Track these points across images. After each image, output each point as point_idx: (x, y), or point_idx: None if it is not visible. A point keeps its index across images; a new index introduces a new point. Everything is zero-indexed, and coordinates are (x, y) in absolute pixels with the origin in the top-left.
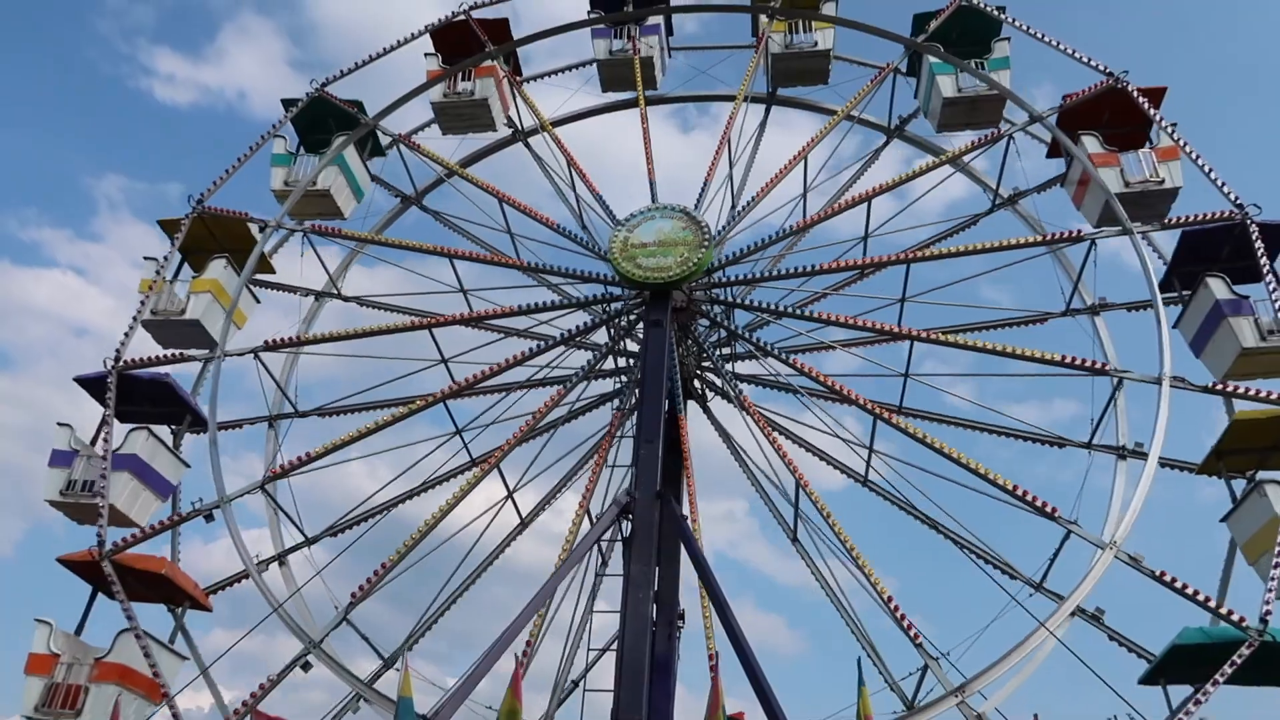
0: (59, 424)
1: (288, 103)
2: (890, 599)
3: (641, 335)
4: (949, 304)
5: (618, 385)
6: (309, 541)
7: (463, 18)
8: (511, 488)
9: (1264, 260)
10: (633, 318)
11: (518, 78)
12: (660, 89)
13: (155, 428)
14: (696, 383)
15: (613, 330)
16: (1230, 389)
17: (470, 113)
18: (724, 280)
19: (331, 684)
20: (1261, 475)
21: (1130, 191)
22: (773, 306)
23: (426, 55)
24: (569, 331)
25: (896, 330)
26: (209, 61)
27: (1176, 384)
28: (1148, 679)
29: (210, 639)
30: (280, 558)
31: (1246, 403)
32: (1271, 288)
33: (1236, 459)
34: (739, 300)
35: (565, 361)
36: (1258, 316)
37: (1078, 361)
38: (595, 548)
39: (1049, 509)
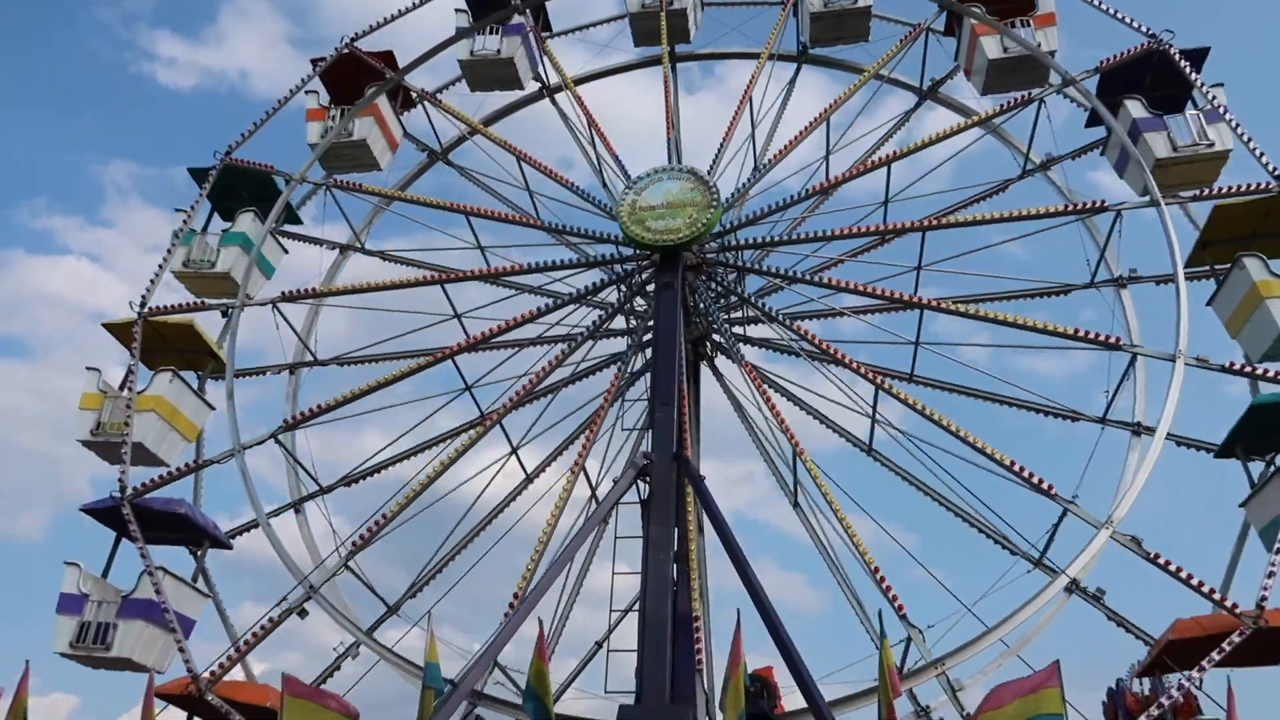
0: (88, 368)
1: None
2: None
3: (652, 295)
4: (967, 273)
5: (631, 343)
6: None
7: None
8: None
9: None
10: (643, 278)
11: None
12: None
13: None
14: (709, 345)
15: (622, 290)
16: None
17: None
18: (736, 243)
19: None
20: None
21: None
22: (783, 271)
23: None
24: (581, 290)
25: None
26: (209, 43)
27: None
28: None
29: (239, 610)
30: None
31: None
32: None
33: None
34: (751, 264)
35: (579, 322)
36: None
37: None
38: (615, 510)
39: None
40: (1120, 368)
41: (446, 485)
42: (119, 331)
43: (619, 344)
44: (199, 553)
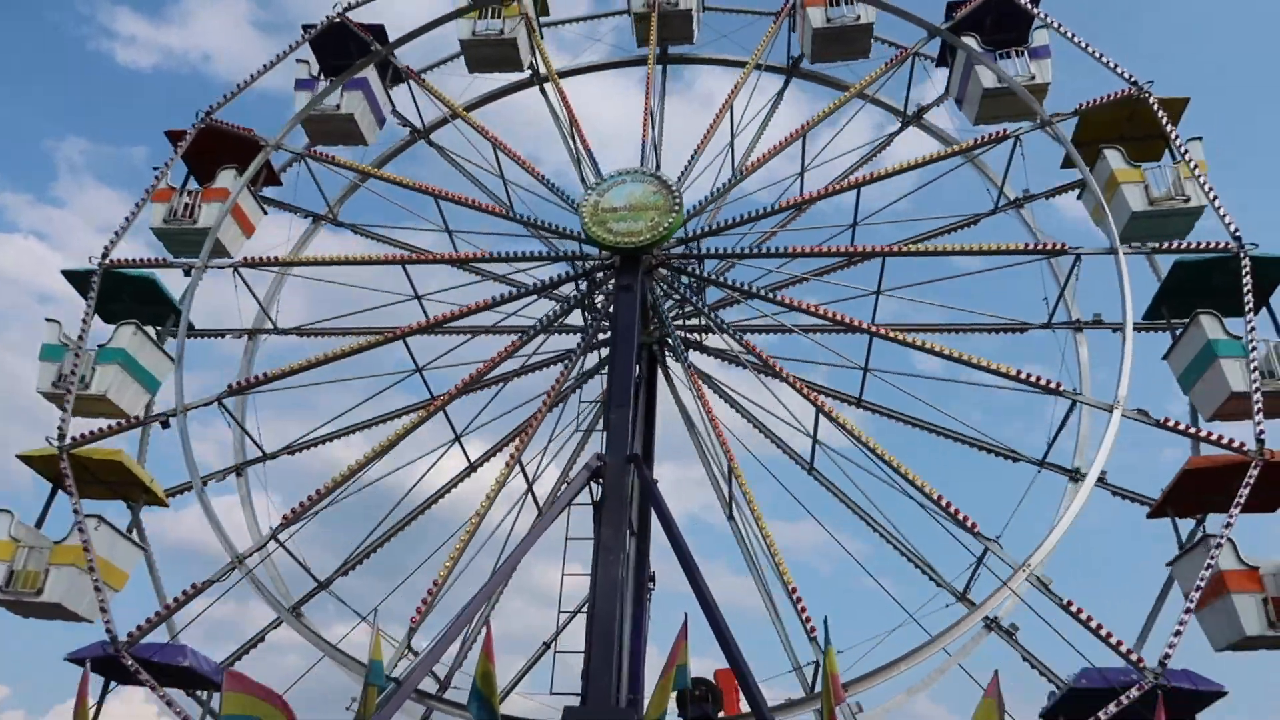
0: (47, 319)
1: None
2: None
3: (611, 294)
4: (926, 302)
5: (579, 343)
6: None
7: None
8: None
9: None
10: (601, 276)
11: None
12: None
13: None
14: (666, 350)
15: (581, 286)
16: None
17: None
18: (697, 252)
19: (304, 649)
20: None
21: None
22: (744, 284)
23: None
24: (540, 282)
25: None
26: (172, 23)
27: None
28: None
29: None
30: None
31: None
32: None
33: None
34: (711, 275)
35: (540, 313)
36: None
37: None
38: (566, 511)
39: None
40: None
41: (395, 473)
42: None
43: (573, 342)
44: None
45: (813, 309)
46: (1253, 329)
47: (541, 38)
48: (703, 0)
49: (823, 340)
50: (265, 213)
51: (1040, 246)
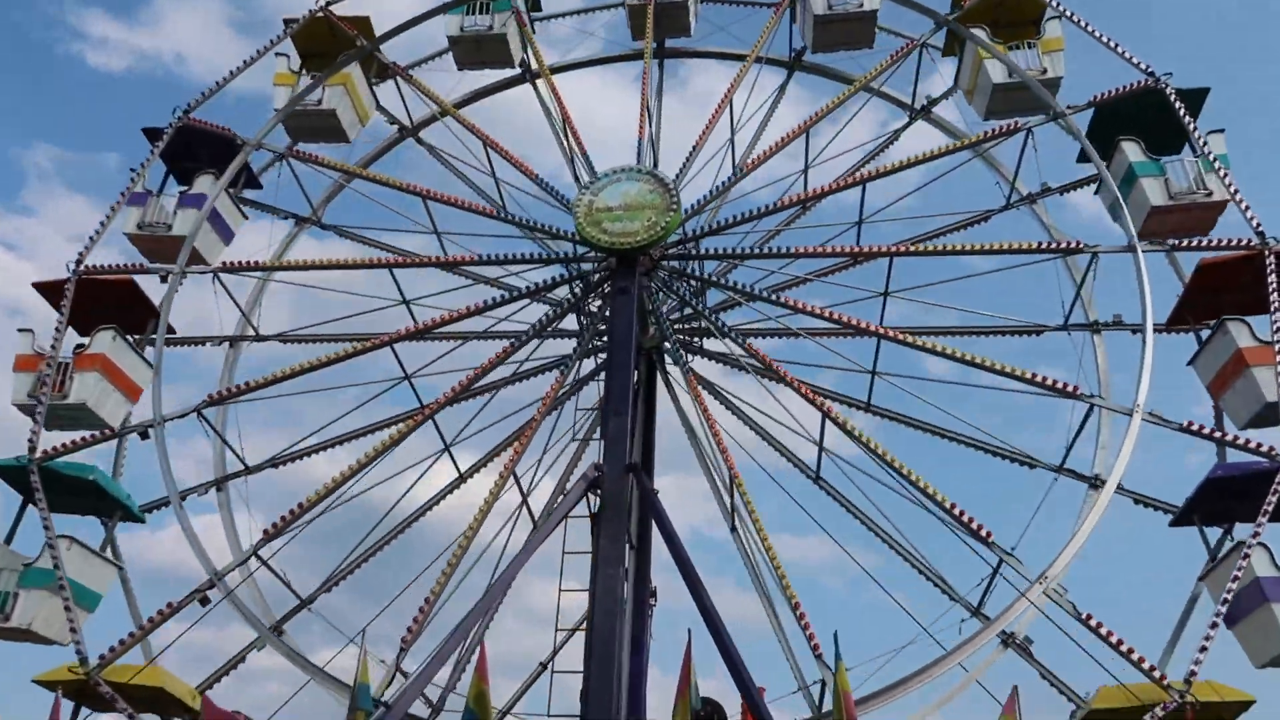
0: (20, 330)
1: (288, 21)
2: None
3: (607, 296)
4: (937, 304)
5: (575, 349)
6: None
7: None
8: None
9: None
10: (597, 278)
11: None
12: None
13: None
14: (665, 355)
15: (576, 289)
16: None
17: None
18: (696, 252)
19: (285, 673)
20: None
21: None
22: (745, 286)
23: None
24: (533, 286)
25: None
26: (144, 24)
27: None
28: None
29: (161, 631)
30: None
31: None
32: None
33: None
34: (711, 276)
35: (533, 318)
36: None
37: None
38: (563, 524)
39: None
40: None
41: (382, 485)
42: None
43: (568, 346)
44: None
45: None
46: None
47: (533, 32)
48: None
49: (828, 344)
50: (245, 217)
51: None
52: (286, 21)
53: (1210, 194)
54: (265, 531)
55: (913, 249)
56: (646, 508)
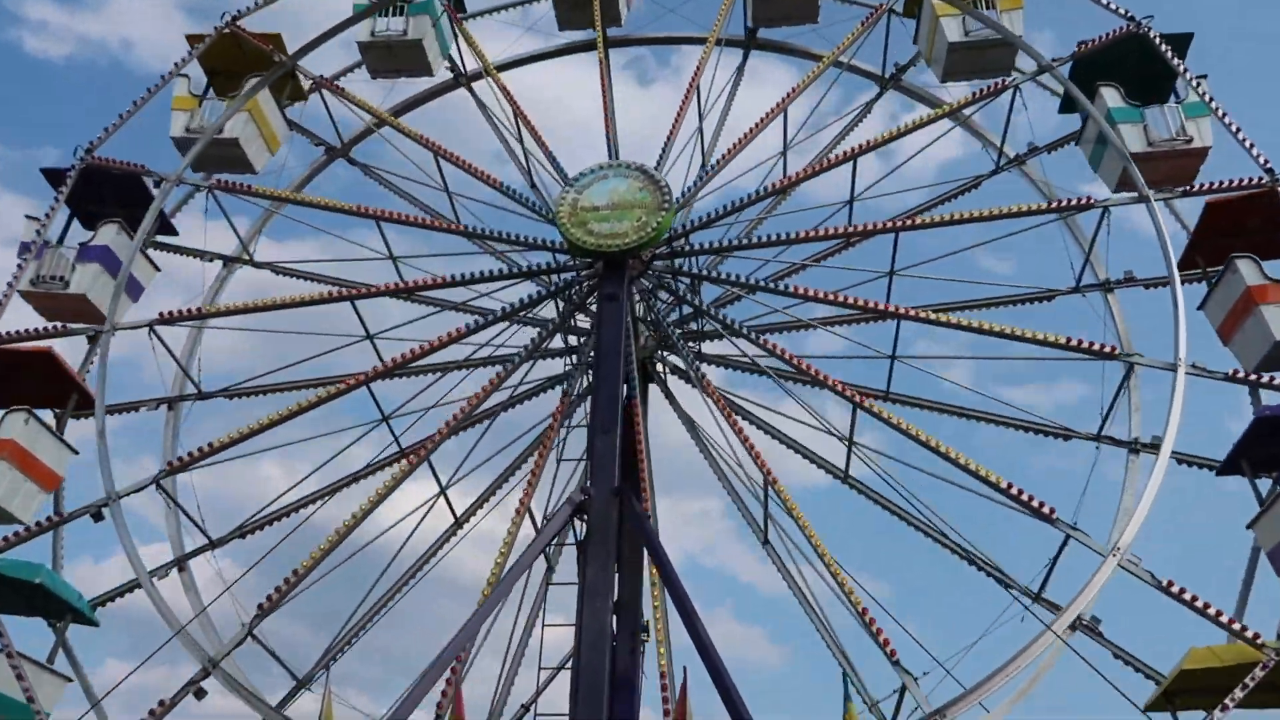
0: (27, 216)
1: (193, 39)
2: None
3: (595, 310)
4: (943, 279)
5: (567, 367)
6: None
7: None
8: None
9: None
10: (585, 289)
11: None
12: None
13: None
14: (659, 365)
15: (562, 304)
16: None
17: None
18: (688, 249)
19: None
20: None
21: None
22: (743, 279)
23: None
24: (512, 305)
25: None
26: (88, 7)
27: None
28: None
29: (104, 671)
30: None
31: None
32: None
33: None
34: (705, 272)
35: (510, 340)
36: None
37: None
38: (544, 554)
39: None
40: (1111, 381)
41: (366, 533)
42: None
43: (554, 364)
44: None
45: (831, 297)
46: None
47: (456, 34)
48: None
49: (840, 332)
50: (158, 269)
51: (1064, 203)
52: (190, 40)
53: (1190, 140)
54: (259, 607)
55: (919, 221)
56: (638, 534)
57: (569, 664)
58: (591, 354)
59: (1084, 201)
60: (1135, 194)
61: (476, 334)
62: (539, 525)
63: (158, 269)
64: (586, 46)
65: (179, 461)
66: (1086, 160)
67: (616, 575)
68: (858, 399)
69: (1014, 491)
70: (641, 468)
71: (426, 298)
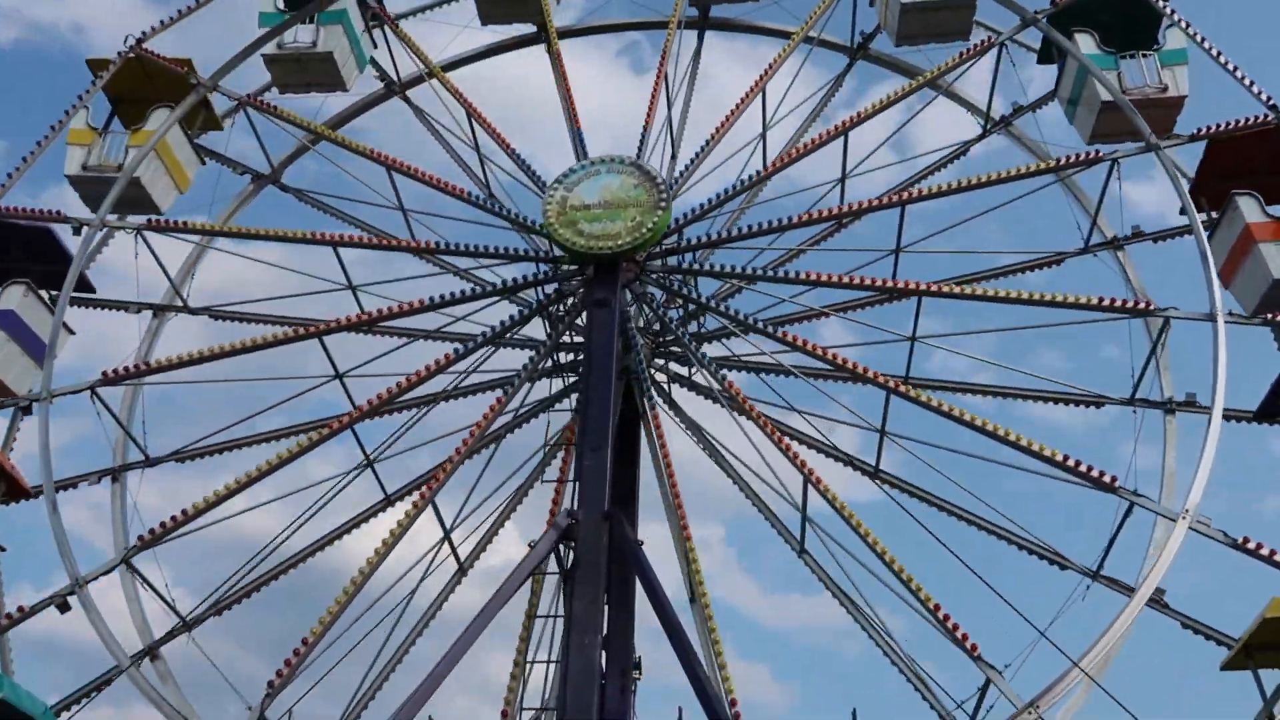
0: (76, 105)
1: (95, 64)
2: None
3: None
4: (947, 251)
5: (568, 383)
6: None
7: None
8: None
9: None
10: (573, 301)
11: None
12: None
13: None
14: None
15: (549, 320)
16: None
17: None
18: (679, 245)
19: None
20: None
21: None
22: (746, 270)
23: None
24: (494, 328)
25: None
26: None
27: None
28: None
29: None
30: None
31: None
32: None
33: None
34: (701, 265)
35: (492, 365)
36: None
37: (1118, 303)
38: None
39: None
40: (1136, 343)
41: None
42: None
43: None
44: None
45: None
46: None
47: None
48: None
49: (854, 317)
50: (203, 162)
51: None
52: (92, 65)
53: (1165, 89)
54: (269, 685)
55: (918, 194)
56: (629, 563)
57: (553, 705)
58: (553, 357)
59: (1091, 156)
60: (1143, 144)
61: (453, 306)
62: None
63: (72, 332)
64: (531, 41)
65: (150, 535)
66: (1063, 111)
67: (606, 608)
68: (894, 385)
69: (1070, 463)
70: (672, 486)
71: (395, 328)
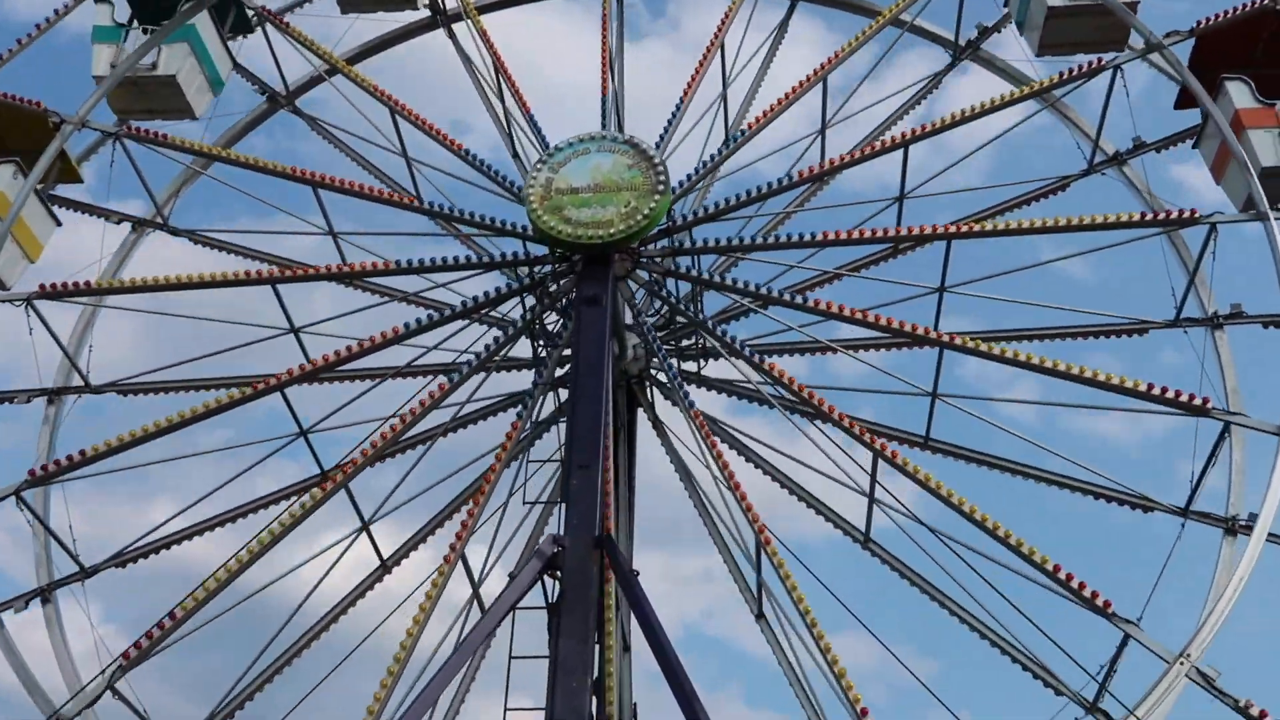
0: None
1: None
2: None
3: (571, 313)
4: (1002, 299)
5: (536, 382)
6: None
7: None
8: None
9: None
10: (560, 286)
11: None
12: None
13: None
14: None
15: (528, 303)
16: None
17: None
18: (690, 246)
19: None
20: None
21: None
22: (753, 287)
23: None
24: (470, 301)
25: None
26: None
27: None
28: None
29: None
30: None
31: None
32: None
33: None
34: (710, 276)
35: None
36: None
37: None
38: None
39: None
40: (1211, 436)
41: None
42: None
43: (524, 378)
44: None
45: (861, 316)
46: None
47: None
48: None
49: (871, 359)
50: (59, 223)
51: (1163, 216)
52: None
53: None
54: (125, 656)
55: (976, 229)
56: (623, 594)
57: None
58: (562, 370)
59: (1189, 215)
60: (1251, 212)
61: (423, 334)
62: (475, 579)
63: (58, 223)
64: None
65: (44, 470)
66: (1207, 168)
67: (598, 648)
68: (879, 445)
69: (1062, 576)
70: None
71: (371, 284)
